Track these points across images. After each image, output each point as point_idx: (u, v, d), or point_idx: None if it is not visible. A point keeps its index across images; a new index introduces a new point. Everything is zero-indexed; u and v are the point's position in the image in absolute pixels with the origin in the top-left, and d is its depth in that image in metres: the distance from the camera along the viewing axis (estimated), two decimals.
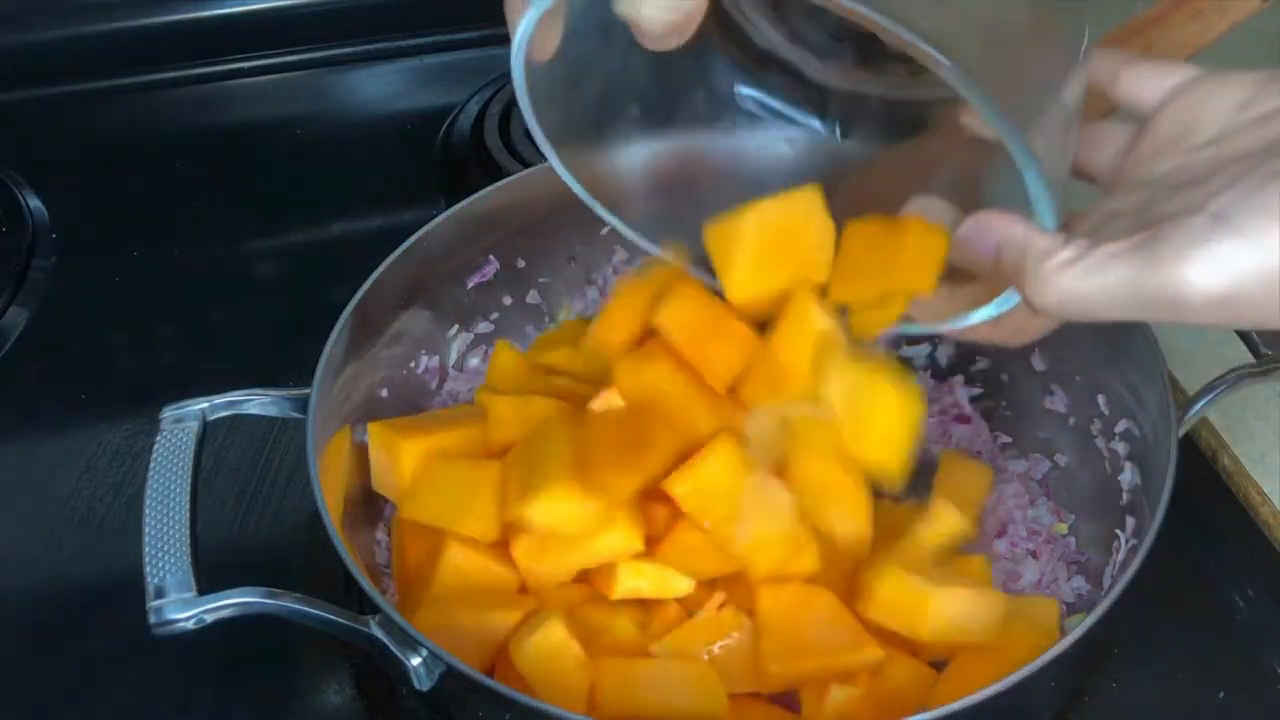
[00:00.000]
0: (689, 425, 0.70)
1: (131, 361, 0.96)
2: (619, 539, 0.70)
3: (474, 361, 0.89)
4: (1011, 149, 0.50)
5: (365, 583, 0.65)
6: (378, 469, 0.78)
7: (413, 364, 0.86)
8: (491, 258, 0.87)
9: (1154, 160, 0.55)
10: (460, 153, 1.11)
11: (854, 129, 0.73)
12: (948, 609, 0.68)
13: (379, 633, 0.64)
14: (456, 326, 0.88)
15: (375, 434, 0.78)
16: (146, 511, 0.67)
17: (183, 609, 0.63)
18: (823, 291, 0.66)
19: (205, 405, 0.73)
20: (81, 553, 0.82)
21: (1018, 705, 0.64)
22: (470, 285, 0.87)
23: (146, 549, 0.65)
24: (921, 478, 0.79)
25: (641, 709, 0.67)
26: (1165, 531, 0.66)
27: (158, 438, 0.70)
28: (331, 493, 0.72)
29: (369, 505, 0.80)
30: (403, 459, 0.76)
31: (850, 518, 0.68)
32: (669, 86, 0.70)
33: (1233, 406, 0.83)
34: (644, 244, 0.69)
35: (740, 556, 0.70)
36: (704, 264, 0.69)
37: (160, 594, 0.63)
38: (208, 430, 0.72)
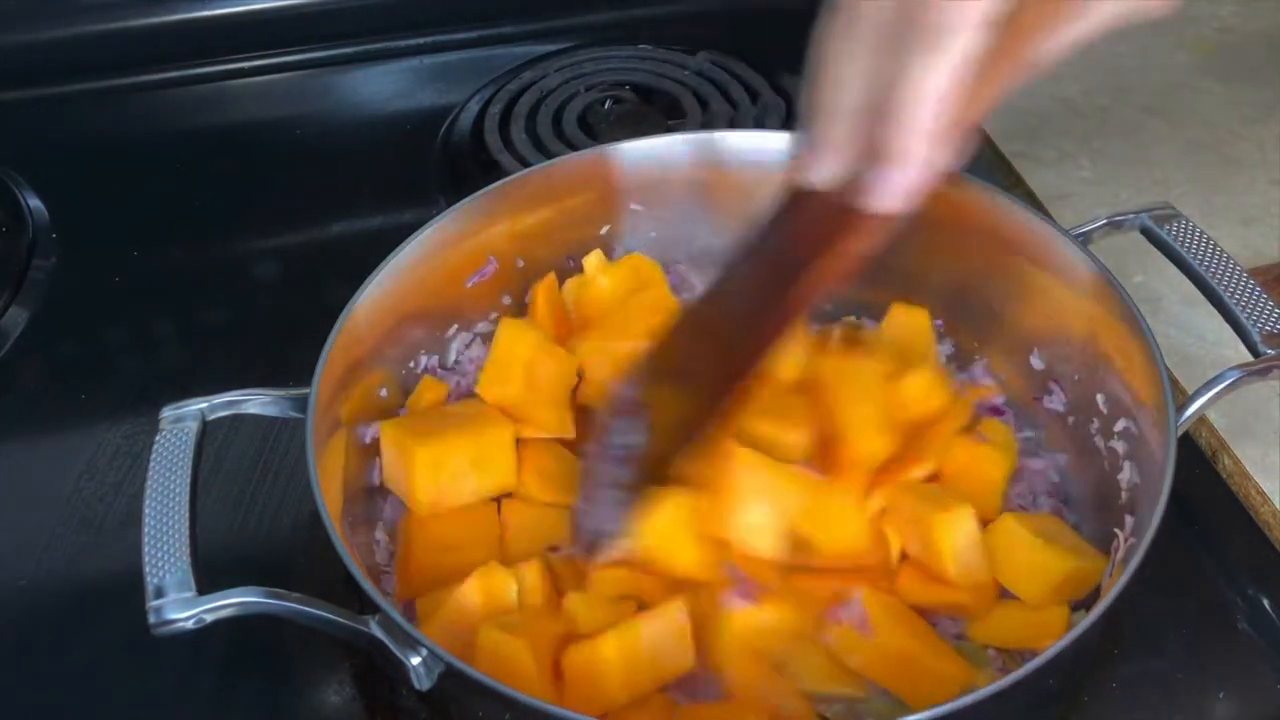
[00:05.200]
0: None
1: (131, 361, 0.96)
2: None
3: (473, 354, 0.89)
4: None
5: (365, 583, 0.65)
6: (389, 469, 0.79)
7: (412, 364, 0.86)
8: (491, 257, 0.87)
9: None
10: (460, 153, 1.11)
11: None
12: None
13: (379, 632, 0.64)
14: (455, 326, 0.88)
15: (387, 434, 0.78)
16: (146, 511, 0.67)
17: (182, 609, 0.63)
18: None
19: (205, 405, 0.73)
20: (81, 553, 0.82)
21: (1018, 704, 0.64)
22: (470, 285, 0.87)
23: (146, 549, 0.65)
24: None
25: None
26: (1165, 531, 0.66)
27: (157, 437, 0.70)
28: (331, 493, 0.72)
29: (369, 505, 0.80)
30: (416, 462, 0.76)
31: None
32: None
33: (1233, 406, 0.83)
34: None
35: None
36: None
37: (160, 594, 0.63)
38: (207, 430, 0.72)
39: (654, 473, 0.70)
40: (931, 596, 0.74)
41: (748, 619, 0.70)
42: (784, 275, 0.65)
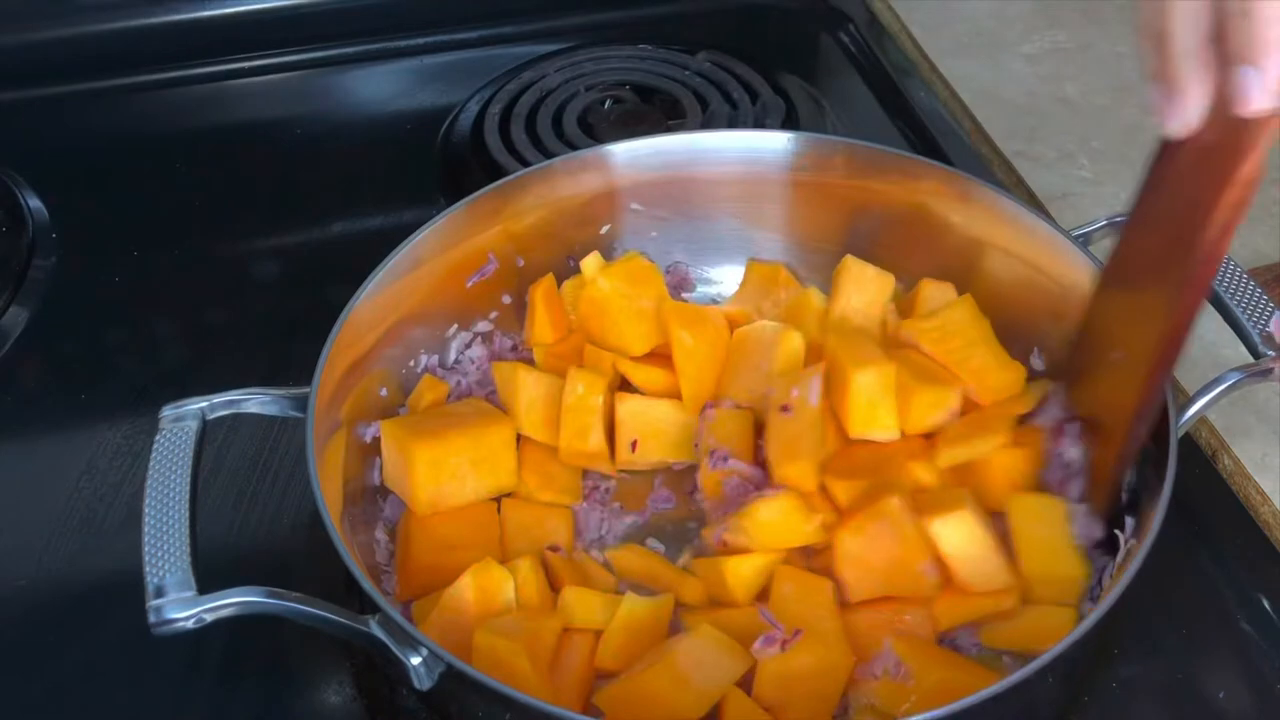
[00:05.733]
0: None
1: (131, 361, 0.96)
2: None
3: (473, 354, 0.89)
4: None
5: (365, 582, 0.65)
6: (390, 468, 0.79)
7: (412, 363, 0.86)
8: (491, 257, 0.87)
9: None
10: (460, 153, 1.11)
11: None
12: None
13: (379, 632, 0.64)
14: (455, 325, 0.88)
15: (387, 433, 0.78)
16: (146, 511, 0.67)
17: (182, 608, 0.63)
18: None
19: (204, 404, 0.73)
20: (81, 553, 0.82)
21: (1018, 705, 0.64)
22: (470, 284, 0.87)
23: (146, 548, 0.65)
24: None
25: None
26: (1165, 531, 0.66)
27: (157, 437, 0.70)
28: (331, 492, 0.72)
29: (368, 504, 0.80)
30: (416, 462, 0.76)
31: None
32: None
33: (1233, 406, 0.83)
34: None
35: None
36: None
37: (160, 593, 0.63)
38: (207, 429, 0.72)
39: (1110, 471, 0.74)
40: (966, 612, 0.73)
41: (778, 665, 0.70)
42: (1187, 229, 0.66)
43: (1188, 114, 0.62)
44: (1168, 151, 0.67)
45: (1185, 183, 0.66)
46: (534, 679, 0.67)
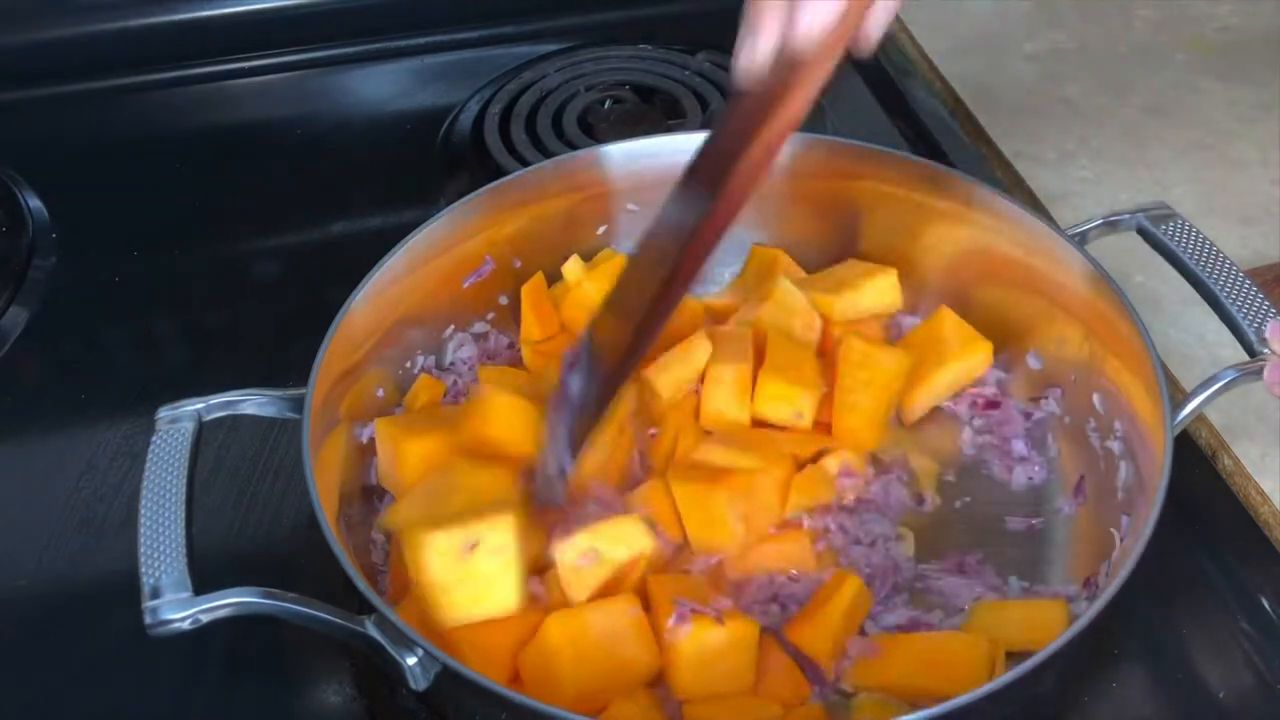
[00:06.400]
0: None
1: (131, 361, 0.96)
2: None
3: (464, 355, 0.89)
4: None
5: (360, 582, 0.65)
6: (383, 465, 0.79)
7: (409, 364, 0.86)
8: (488, 258, 0.87)
9: None
10: (460, 153, 1.11)
11: None
12: None
13: (374, 632, 0.64)
14: (452, 326, 0.88)
15: (381, 431, 0.78)
16: (141, 512, 0.67)
17: (178, 609, 0.63)
18: None
19: (201, 406, 0.73)
20: (81, 553, 0.82)
21: (1016, 703, 0.64)
22: (466, 285, 0.87)
23: (141, 549, 0.65)
24: None
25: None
26: (1165, 531, 0.66)
27: (153, 438, 0.71)
28: (327, 493, 0.72)
29: (365, 504, 0.80)
30: (407, 458, 0.77)
31: None
32: None
33: (1232, 406, 0.83)
34: None
35: None
36: None
37: (156, 594, 0.63)
38: (204, 430, 0.72)
39: (598, 410, 0.74)
40: None
41: (696, 640, 0.69)
42: (716, 176, 0.69)
43: (758, 52, 0.67)
44: (732, 104, 0.71)
45: (736, 123, 0.70)
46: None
